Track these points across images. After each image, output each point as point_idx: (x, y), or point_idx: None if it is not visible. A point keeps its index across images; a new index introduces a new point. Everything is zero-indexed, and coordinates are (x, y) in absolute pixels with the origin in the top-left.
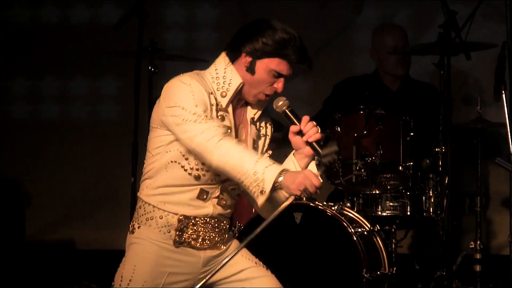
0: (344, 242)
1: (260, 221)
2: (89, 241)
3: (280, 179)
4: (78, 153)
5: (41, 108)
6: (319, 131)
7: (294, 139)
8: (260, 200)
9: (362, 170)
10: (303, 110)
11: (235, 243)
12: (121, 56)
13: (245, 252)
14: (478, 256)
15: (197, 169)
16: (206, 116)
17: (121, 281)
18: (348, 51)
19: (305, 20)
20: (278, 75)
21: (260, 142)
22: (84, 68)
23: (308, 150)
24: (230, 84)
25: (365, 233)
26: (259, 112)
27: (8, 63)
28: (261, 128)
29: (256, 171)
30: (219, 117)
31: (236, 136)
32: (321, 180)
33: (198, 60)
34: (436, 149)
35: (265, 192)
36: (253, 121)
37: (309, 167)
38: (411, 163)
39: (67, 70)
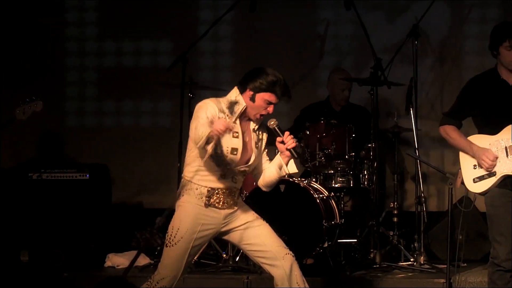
0: (311, 203)
1: (258, 192)
2: (152, 203)
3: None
4: (146, 148)
5: (122, 119)
6: (295, 142)
7: (279, 146)
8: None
9: (323, 158)
10: (285, 120)
11: (242, 204)
12: (172, 86)
13: (248, 210)
14: (395, 212)
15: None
16: (206, 120)
17: (172, 229)
18: (314, 84)
19: (287, 64)
20: (269, 103)
21: (260, 143)
22: (150, 94)
23: (287, 153)
24: (237, 106)
25: (324, 197)
26: (257, 126)
27: (102, 92)
28: (259, 134)
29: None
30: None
31: (243, 138)
32: (228, 124)
33: (220, 90)
34: (369, 145)
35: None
36: (254, 131)
37: (289, 164)
38: (353, 154)
39: (141, 96)
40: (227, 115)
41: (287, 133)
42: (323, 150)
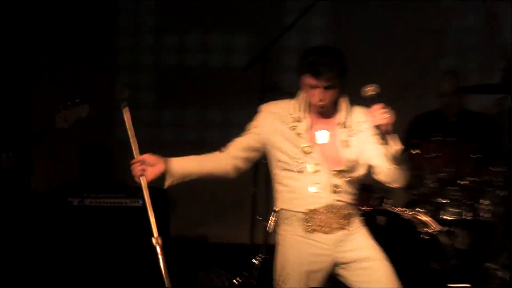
0: (417, 240)
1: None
2: (219, 236)
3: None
4: None
5: (184, 132)
6: (386, 117)
7: (369, 119)
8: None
9: (433, 183)
10: None
11: (360, 225)
12: (249, 92)
13: (367, 237)
14: None
15: (287, 162)
16: (245, 132)
17: (277, 265)
18: (430, 90)
19: (395, 65)
20: (311, 87)
21: (354, 139)
22: (220, 101)
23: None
24: (301, 100)
25: (434, 233)
26: (345, 117)
27: (159, 97)
28: (352, 126)
29: None
30: (292, 128)
31: (312, 139)
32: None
33: None
34: (494, 168)
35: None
36: (342, 124)
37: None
38: (473, 179)
39: (209, 103)
40: (291, 116)
41: (377, 106)
42: (434, 173)
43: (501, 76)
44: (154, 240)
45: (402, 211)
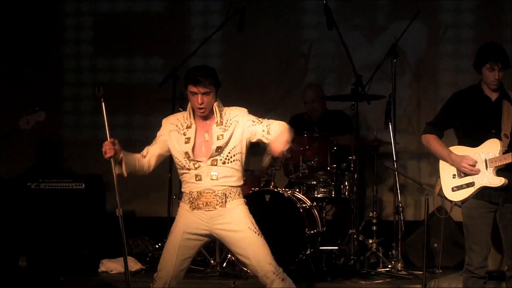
0: (295, 212)
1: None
2: (144, 211)
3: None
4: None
5: (115, 131)
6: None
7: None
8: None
9: (306, 170)
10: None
11: (236, 206)
12: (164, 101)
13: (242, 216)
14: (374, 221)
15: (179, 162)
16: (155, 140)
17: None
18: (299, 100)
19: (274, 81)
20: (193, 94)
21: (227, 133)
22: (142, 109)
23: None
24: (189, 109)
25: (307, 207)
26: (219, 119)
27: (96, 106)
28: (228, 124)
29: None
30: (183, 134)
31: (199, 138)
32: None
33: None
34: (350, 157)
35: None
36: (217, 125)
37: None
38: (335, 165)
39: (134, 110)
40: (182, 124)
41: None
42: (306, 162)
43: (352, 89)
44: (117, 211)
45: (284, 191)
